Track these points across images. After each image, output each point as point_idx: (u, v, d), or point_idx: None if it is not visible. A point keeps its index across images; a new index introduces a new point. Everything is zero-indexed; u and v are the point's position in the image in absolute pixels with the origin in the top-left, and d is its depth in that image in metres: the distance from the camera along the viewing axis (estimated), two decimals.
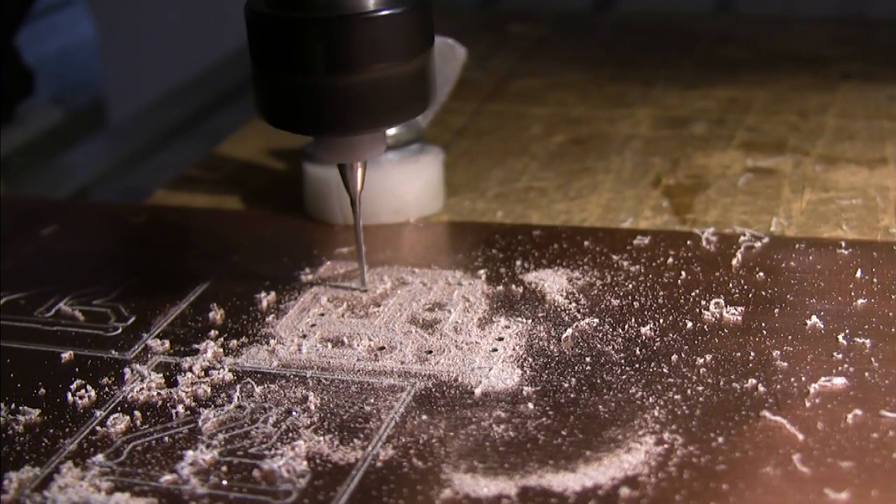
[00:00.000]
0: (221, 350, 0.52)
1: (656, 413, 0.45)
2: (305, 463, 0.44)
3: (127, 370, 0.51)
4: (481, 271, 0.58)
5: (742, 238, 0.59)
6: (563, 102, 0.82)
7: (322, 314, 0.54)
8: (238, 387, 0.49)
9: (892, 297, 0.53)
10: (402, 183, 0.64)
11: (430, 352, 0.51)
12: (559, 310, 0.54)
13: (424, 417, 0.46)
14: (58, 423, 0.47)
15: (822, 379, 0.47)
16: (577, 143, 0.75)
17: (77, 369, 0.51)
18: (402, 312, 0.54)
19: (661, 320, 0.52)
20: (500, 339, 0.51)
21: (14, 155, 0.94)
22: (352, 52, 0.50)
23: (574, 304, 0.54)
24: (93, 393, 0.49)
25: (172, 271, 0.60)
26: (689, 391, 0.47)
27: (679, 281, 0.55)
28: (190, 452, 0.44)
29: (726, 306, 0.52)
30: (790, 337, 0.50)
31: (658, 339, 0.50)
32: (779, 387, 0.46)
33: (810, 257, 0.57)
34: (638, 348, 0.50)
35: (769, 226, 0.61)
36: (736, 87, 0.83)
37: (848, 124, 0.75)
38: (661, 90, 0.83)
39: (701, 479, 0.41)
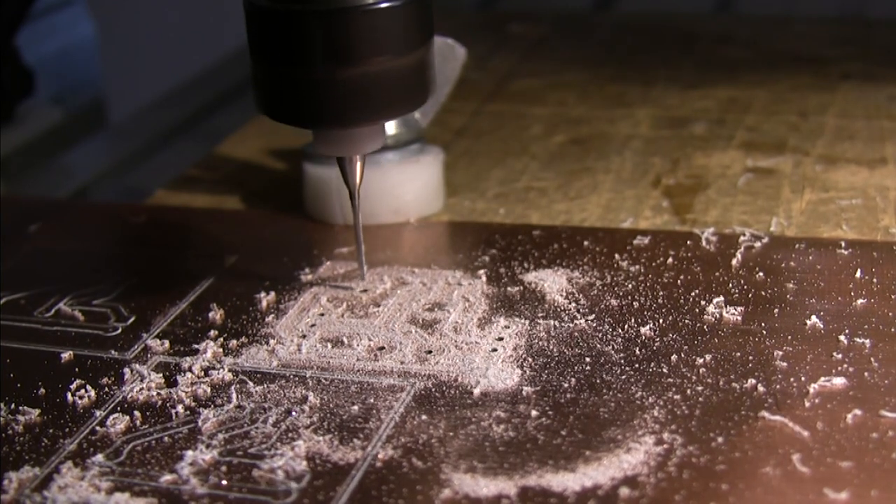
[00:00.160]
0: (221, 350, 0.52)
1: (656, 413, 0.45)
2: (305, 463, 0.44)
3: (127, 370, 0.51)
4: (481, 271, 0.58)
5: (742, 238, 0.59)
6: (563, 102, 0.82)
7: (322, 314, 0.54)
8: (235, 387, 0.49)
9: (892, 297, 0.53)
10: (402, 183, 0.64)
11: (430, 352, 0.51)
12: (559, 310, 0.54)
13: (424, 417, 0.46)
14: (58, 423, 0.47)
15: (822, 379, 0.47)
16: (577, 143, 0.75)
17: (77, 369, 0.51)
18: (402, 312, 0.54)
19: (661, 320, 0.52)
20: (500, 339, 0.51)
21: (14, 155, 0.94)
22: (351, 45, 0.50)
23: (574, 304, 0.54)
24: (93, 393, 0.49)
25: (172, 271, 0.60)
26: (688, 391, 0.47)
27: (679, 281, 0.55)
28: (190, 452, 0.44)
29: (726, 306, 0.52)
30: (790, 337, 0.50)
31: (658, 339, 0.50)
32: (778, 387, 0.46)
33: (810, 257, 0.57)
34: (638, 348, 0.50)
35: (769, 226, 0.61)
36: (736, 87, 0.83)
37: (848, 124, 0.75)
38: (661, 90, 0.83)
39: (701, 479, 0.41)
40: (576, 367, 0.49)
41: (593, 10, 1.19)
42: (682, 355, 0.49)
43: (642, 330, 0.51)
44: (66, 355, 0.52)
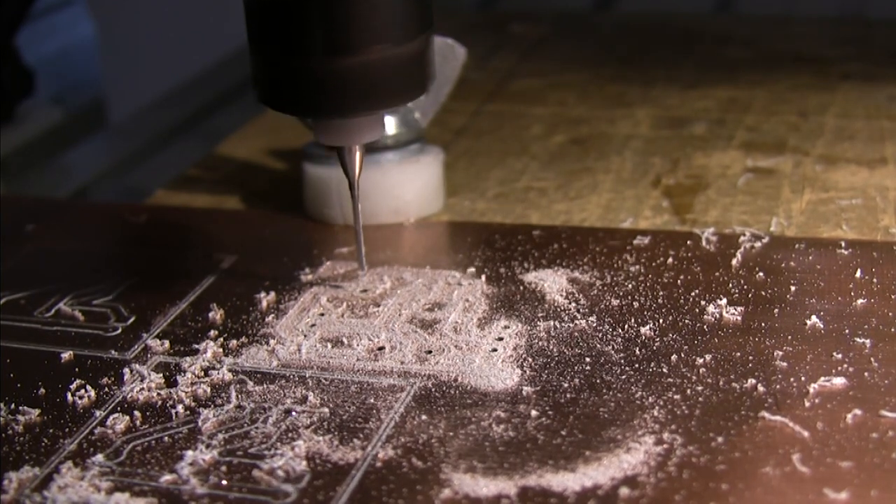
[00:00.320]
0: (221, 350, 0.52)
1: (656, 413, 0.45)
2: (305, 463, 0.44)
3: (127, 370, 0.51)
4: (481, 271, 0.58)
5: (742, 238, 0.59)
6: (563, 102, 0.82)
7: (322, 314, 0.54)
8: (235, 387, 0.49)
9: (892, 297, 0.53)
10: (402, 183, 0.64)
11: (430, 352, 0.51)
12: (559, 310, 0.54)
13: (424, 417, 0.46)
14: (58, 423, 0.47)
15: (822, 379, 0.47)
16: (577, 143, 0.75)
17: (77, 369, 0.51)
18: (402, 312, 0.54)
19: (661, 320, 0.52)
20: (500, 339, 0.51)
21: (14, 155, 0.94)
22: (350, 33, 0.50)
23: (574, 304, 0.54)
24: (93, 393, 0.49)
25: (172, 271, 0.60)
26: (688, 391, 0.47)
27: (679, 281, 0.55)
28: (190, 452, 0.44)
29: (726, 306, 0.52)
30: (790, 337, 0.50)
31: (658, 339, 0.50)
32: (778, 387, 0.46)
33: (810, 257, 0.57)
34: (638, 348, 0.50)
35: (769, 226, 0.61)
36: (736, 87, 0.83)
37: (848, 124, 0.75)
38: (661, 90, 0.83)
39: (700, 479, 0.41)
40: (576, 367, 0.49)
41: (593, 10, 1.19)
42: (682, 355, 0.49)
43: (642, 330, 0.51)
44: (66, 355, 0.52)
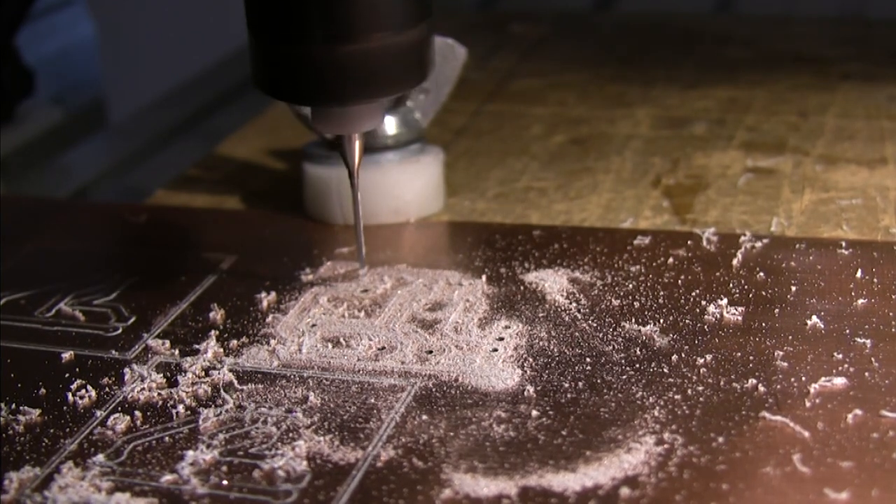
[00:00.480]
0: (222, 350, 0.52)
1: (656, 413, 0.45)
2: (305, 463, 0.44)
3: (127, 370, 0.51)
4: (482, 271, 0.58)
5: (742, 238, 0.59)
6: (563, 102, 0.82)
7: (322, 314, 0.54)
8: (235, 387, 0.49)
9: (892, 297, 0.53)
10: (402, 183, 0.64)
11: (431, 352, 0.51)
12: (559, 310, 0.54)
13: (425, 417, 0.46)
14: (58, 423, 0.47)
15: (822, 379, 0.47)
16: (577, 143, 0.75)
17: (77, 369, 0.51)
18: (403, 312, 0.54)
19: (661, 320, 0.52)
20: (501, 339, 0.51)
21: (14, 155, 0.94)
22: (350, 20, 0.50)
23: (574, 304, 0.54)
24: (93, 393, 0.49)
25: (172, 271, 0.60)
26: (689, 391, 0.47)
27: (679, 281, 0.55)
28: (190, 452, 0.44)
29: (727, 306, 0.52)
30: (790, 337, 0.50)
31: (658, 339, 0.50)
32: (779, 387, 0.46)
33: (810, 257, 0.57)
34: (638, 348, 0.50)
35: (769, 226, 0.61)
36: (736, 87, 0.83)
37: (848, 124, 0.75)
38: (661, 90, 0.83)
39: (701, 479, 0.41)
40: (576, 367, 0.49)
41: (593, 10, 1.19)
42: (683, 355, 0.49)
43: (643, 330, 0.51)
44: (67, 355, 0.52)
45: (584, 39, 0.98)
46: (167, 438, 0.46)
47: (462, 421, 0.46)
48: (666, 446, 0.43)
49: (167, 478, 0.43)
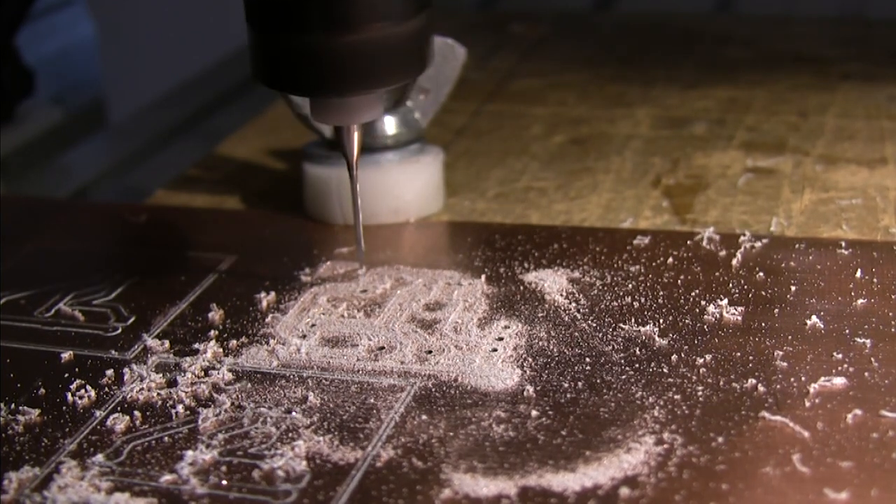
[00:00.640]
0: (221, 350, 0.52)
1: (656, 413, 0.45)
2: (305, 463, 0.44)
3: (127, 370, 0.51)
4: (481, 271, 0.58)
5: (742, 238, 0.59)
6: (563, 102, 0.82)
7: (322, 314, 0.54)
8: (235, 387, 0.49)
9: (892, 297, 0.53)
10: (402, 183, 0.64)
11: (430, 352, 0.51)
12: (559, 310, 0.54)
13: (424, 417, 0.46)
14: (58, 423, 0.47)
15: (822, 379, 0.47)
16: (577, 143, 0.75)
17: (77, 369, 0.51)
18: (402, 312, 0.54)
19: (661, 320, 0.52)
20: (500, 339, 0.51)
21: (14, 155, 0.94)
22: (349, 10, 0.50)
23: (574, 304, 0.54)
24: (93, 393, 0.49)
25: (172, 271, 0.60)
26: (688, 391, 0.47)
27: (679, 281, 0.55)
28: (190, 452, 0.44)
29: (726, 306, 0.52)
30: (790, 337, 0.50)
31: (658, 339, 0.50)
32: (778, 387, 0.46)
33: (810, 257, 0.57)
34: (638, 348, 0.50)
35: (769, 226, 0.61)
36: (736, 87, 0.83)
37: (848, 124, 0.75)
38: (661, 90, 0.83)
39: (701, 479, 0.41)
40: (576, 367, 0.49)
41: (593, 10, 1.19)
42: (683, 355, 0.49)
43: (642, 330, 0.51)
44: (66, 355, 0.52)
45: (584, 39, 0.98)
46: (166, 438, 0.46)
47: (462, 421, 0.46)
48: (665, 446, 0.43)
49: (166, 478, 0.43)
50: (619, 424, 0.45)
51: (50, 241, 0.65)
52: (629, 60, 0.91)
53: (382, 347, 0.51)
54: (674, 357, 0.49)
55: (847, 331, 0.50)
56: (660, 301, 0.54)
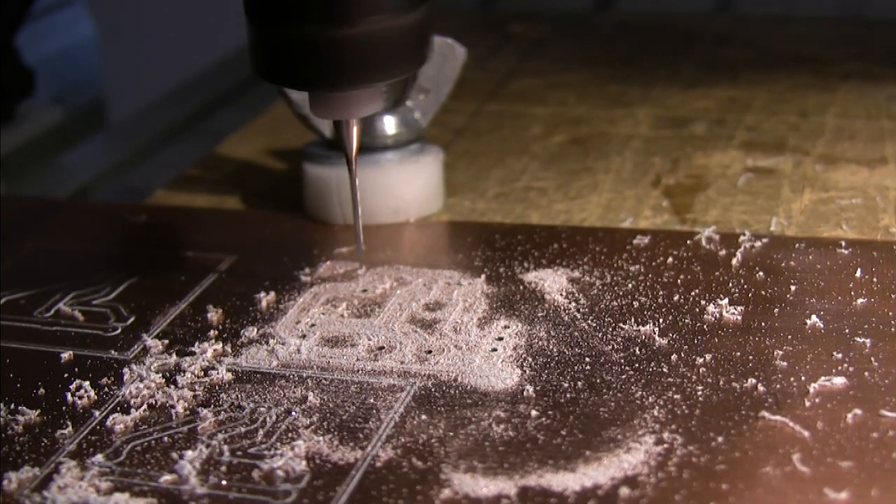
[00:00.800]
0: (221, 350, 0.52)
1: (656, 413, 0.45)
2: (305, 463, 0.44)
3: (126, 370, 0.50)
4: (481, 271, 0.58)
5: (742, 238, 0.59)
6: (563, 102, 0.82)
7: (321, 314, 0.54)
8: (234, 387, 0.49)
9: (892, 296, 0.53)
10: (402, 183, 0.64)
11: (430, 352, 0.51)
12: (559, 310, 0.54)
13: (424, 417, 0.46)
14: (57, 423, 0.47)
15: (822, 378, 0.47)
16: (577, 143, 0.75)
17: (77, 369, 0.51)
18: (402, 312, 0.54)
19: (661, 320, 0.52)
20: (500, 338, 0.51)
21: (14, 155, 0.94)
22: (348, 3, 0.49)
23: (574, 304, 0.54)
24: (92, 393, 0.49)
25: (172, 271, 0.60)
26: (688, 391, 0.47)
27: (679, 281, 0.55)
28: (189, 452, 0.44)
29: (726, 306, 0.52)
30: (790, 336, 0.50)
31: (658, 339, 0.50)
32: (778, 386, 0.46)
33: (810, 257, 0.57)
34: (638, 348, 0.50)
35: (769, 226, 0.61)
36: (736, 87, 0.83)
37: (848, 124, 0.75)
38: (661, 90, 0.83)
39: (701, 479, 0.41)
40: (576, 367, 0.49)
41: (593, 10, 1.19)
42: (682, 355, 0.49)
43: (642, 330, 0.51)
44: (66, 355, 0.52)
45: (584, 39, 0.98)
46: (166, 438, 0.46)
47: (461, 421, 0.46)
48: (665, 446, 0.43)
49: (166, 478, 0.43)
50: (619, 424, 0.45)
51: (50, 241, 0.65)
52: (629, 60, 0.91)
53: (382, 347, 0.51)
54: (674, 357, 0.49)
55: (847, 330, 0.50)
56: (659, 301, 0.54)
